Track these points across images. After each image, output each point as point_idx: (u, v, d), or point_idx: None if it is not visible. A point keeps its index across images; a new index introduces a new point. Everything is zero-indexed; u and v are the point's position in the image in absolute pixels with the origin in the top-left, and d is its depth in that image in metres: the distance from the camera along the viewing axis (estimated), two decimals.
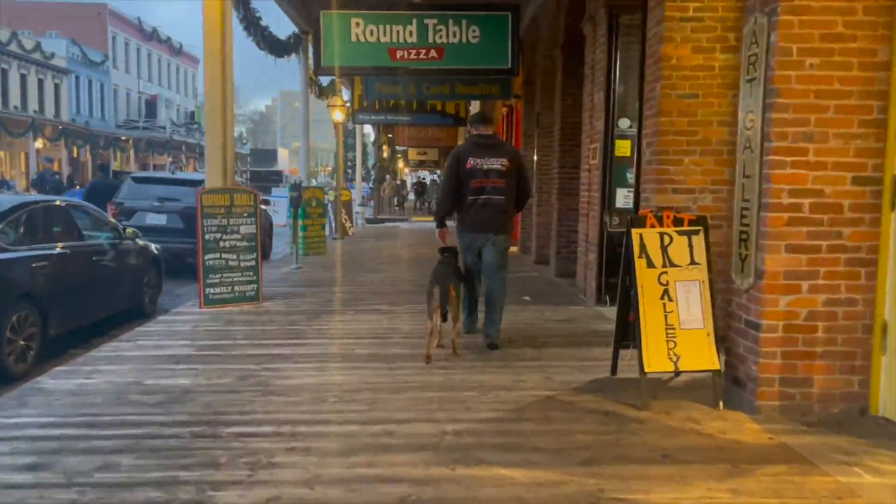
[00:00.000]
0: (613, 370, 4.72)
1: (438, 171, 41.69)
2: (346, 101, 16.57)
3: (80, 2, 46.09)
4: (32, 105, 37.91)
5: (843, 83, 3.83)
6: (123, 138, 45.41)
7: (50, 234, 6.67)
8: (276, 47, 10.51)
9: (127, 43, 50.37)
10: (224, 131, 7.32)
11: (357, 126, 22.98)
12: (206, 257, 7.26)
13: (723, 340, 4.33)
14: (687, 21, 5.52)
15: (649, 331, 4.12)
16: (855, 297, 3.88)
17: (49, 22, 43.90)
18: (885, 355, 3.84)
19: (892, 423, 3.78)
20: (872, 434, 3.65)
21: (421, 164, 39.78)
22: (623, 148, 7.36)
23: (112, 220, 7.99)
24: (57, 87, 41.32)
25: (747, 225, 4.02)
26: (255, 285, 7.54)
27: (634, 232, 4.24)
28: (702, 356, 4.11)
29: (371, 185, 32.51)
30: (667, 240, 4.23)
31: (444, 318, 5.16)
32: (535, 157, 11.63)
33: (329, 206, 17.94)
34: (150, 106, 52.29)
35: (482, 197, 5.53)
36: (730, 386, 4.19)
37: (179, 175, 13.80)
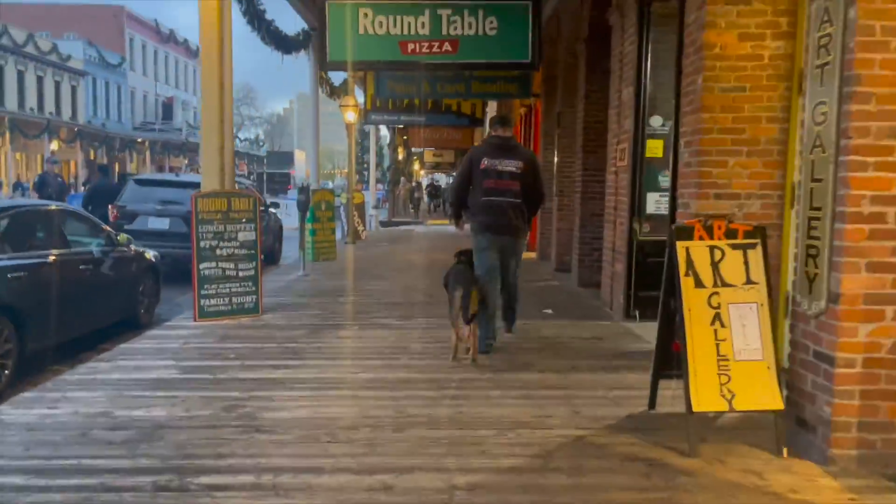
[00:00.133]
0: (652, 404, 4.09)
1: (454, 174, 41.18)
2: (359, 102, 16.03)
3: (97, 3, 46.07)
4: (49, 107, 37.87)
5: None
6: (139, 140, 45.33)
7: (32, 242, 6.16)
8: (283, 43, 9.97)
9: (144, 45, 50.35)
10: (221, 130, 6.77)
11: (372, 127, 22.45)
12: (202, 266, 6.71)
13: (783, 372, 3.68)
14: (733, 4, 4.87)
15: (698, 362, 3.49)
16: None
17: (66, 24, 43.90)
18: None
19: None
20: None
21: (436, 167, 39.20)
22: (655, 148, 6.72)
23: (104, 225, 7.47)
24: (74, 89, 41.33)
25: (817, 238, 3.38)
26: (254, 296, 6.98)
27: (680, 245, 3.61)
28: (761, 393, 3.47)
29: (387, 187, 31.98)
30: (718, 254, 3.60)
31: (469, 321, 5.05)
32: (556, 159, 11.01)
33: (341, 209, 17.44)
34: (167, 108, 52.22)
35: (496, 199, 5.49)
36: (794, 428, 3.55)
37: (184, 177, 13.30)
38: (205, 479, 3.12)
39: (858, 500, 2.96)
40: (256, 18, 9.11)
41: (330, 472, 3.22)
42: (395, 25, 7.31)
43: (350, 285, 9.40)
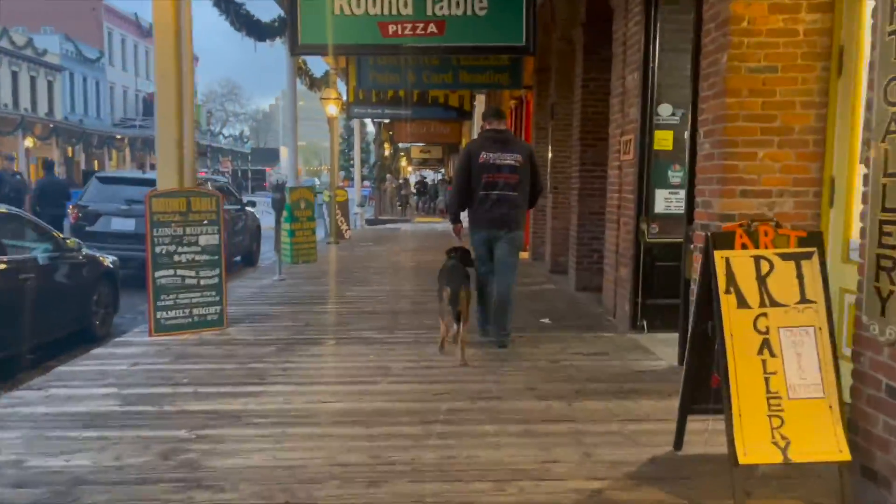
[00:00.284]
0: (678, 443, 3.41)
1: (443, 171, 40.34)
2: (342, 95, 15.28)
3: None
4: (24, 103, 36.73)
5: None
6: (119, 137, 44.17)
7: None
8: (256, 29, 9.22)
9: (123, 39, 49.17)
10: (179, 121, 6.04)
11: (357, 122, 21.68)
12: (158, 275, 5.98)
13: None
14: None
15: (743, 401, 2.81)
16: None
17: (43, 18, 42.72)
18: None
19: None
20: None
21: (424, 163, 38.45)
22: (664, 140, 6.05)
23: (50, 228, 6.71)
24: (50, 84, 40.17)
25: (892, 247, 2.70)
26: (217, 307, 6.25)
27: (718, 256, 2.93)
28: (822, 439, 2.80)
29: (373, 184, 31.20)
30: (765, 267, 2.92)
31: (458, 320, 5.08)
32: (550, 154, 10.33)
33: (323, 207, 16.68)
34: (148, 104, 50.99)
35: (494, 192, 5.44)
36: (858, 478, 2.89)
37: (151, 174, 12.50)
38: None
39: None
40: (224, 1, 8.35)
41: None
42: (374, 5, 6.57)
43: (329, 291, 8.67)
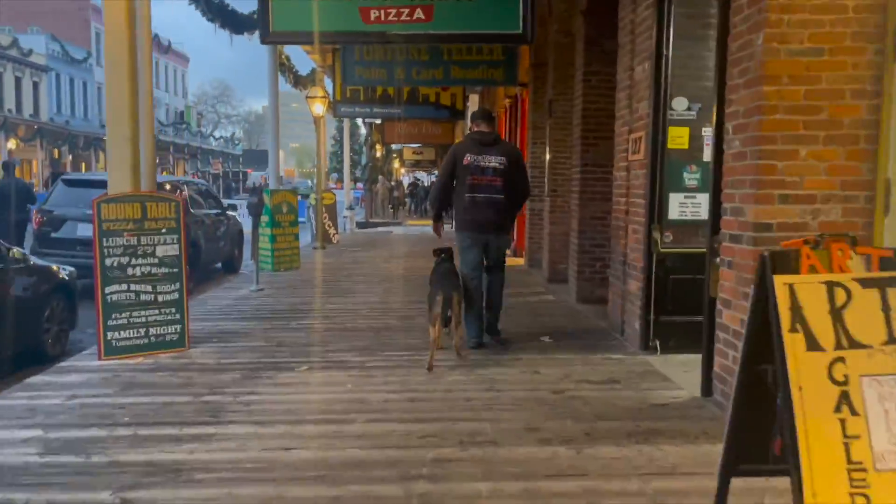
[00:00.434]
0: None
1: (436, 172, 39.73)
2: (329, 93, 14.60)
3: None
4: (9, 104, 35.89)
5: None
6: (105, 138, 43.36)
7: None
8: (231, 20, 8.53)
9: None
10: (133, 115, 5.35)
11: (346, 122, 20.98)
12: (108, 290, 5.28)
13: None
14: None
15: (816, 473, 2.14)
16: None
17: (29, 18, 41.93)
18: None
19: None
20: None
21: (417, 165, 37.77)
22: (679, 138, 5.39)
23: None
24: (36, 85, 39.36)
25: None
26: (178, 326, 5.55)
27: (780, 282, 2.26)
28: None
29: (365, 186, 30.48)
30: (841, 296, 2.25)
31: (447, 325, 5.11)
32: (548, 154, 9.68)
33: (310, 210, 16.00)
34: None
35: (479, 195, 5.46)
36: None
37: None
38: None
39: None
40: None
41: None
42: None
43: (309, 304, 7.98)
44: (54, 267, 6.63)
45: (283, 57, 11.33)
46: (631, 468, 3.27)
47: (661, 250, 5.40)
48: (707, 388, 4.25)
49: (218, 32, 10.51)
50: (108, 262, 5.27)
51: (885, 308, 2.24)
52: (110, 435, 3.69)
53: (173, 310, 5.53)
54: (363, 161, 29.81)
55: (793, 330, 2.22)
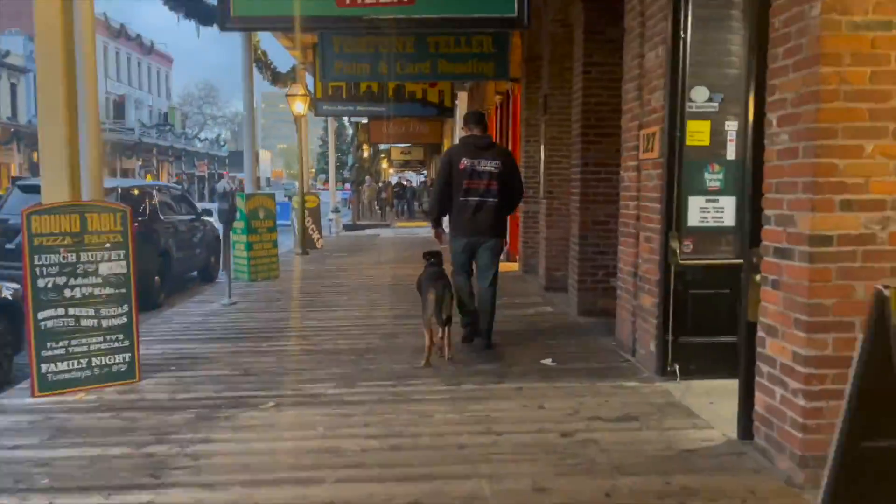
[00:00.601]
0: None
1: (425, 172, 38.93)
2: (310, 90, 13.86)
3: None
4: None
5: None
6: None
7: None
8: (196, 10, 7.78)
9: None
10: (71, 113, 4.62)
11: (329, 121, 20.24)
12: (41, 316, 4.54)
13: None
14: None
15: None
16: None
17: (8, 19, 40.93)
18: None
19: None
20: None
21: (405, 165, 37.04)
22: (699, 133, 4.72)
23: None
24: (13, 87, 38.42)
25: None
26: (127, 354, 4.82)
27: None
28: None
29: (352, 187, 29.71)
30: None
31: (443, 324, 5.11)
32: (543, 154, 9.01)
33: (292, 213, 15.26)
34: (119, 107, 49.27)
35: (474, 199, 5.52)
36: None
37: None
38: None
39: None
40: None
41: None
42: None
43: (285, 319, 7.26)
44: None
45: (258, 52, 10.59)
46: None
47: (681, 262, 4.72)
48: (746, 430, 3.57)
49: (203, 33, 9.86)
50: (40, 283, 4.53)
51: None
52: None
53: (121, 336, 4.80)
54: (350, 162, 29.09)
55: None
